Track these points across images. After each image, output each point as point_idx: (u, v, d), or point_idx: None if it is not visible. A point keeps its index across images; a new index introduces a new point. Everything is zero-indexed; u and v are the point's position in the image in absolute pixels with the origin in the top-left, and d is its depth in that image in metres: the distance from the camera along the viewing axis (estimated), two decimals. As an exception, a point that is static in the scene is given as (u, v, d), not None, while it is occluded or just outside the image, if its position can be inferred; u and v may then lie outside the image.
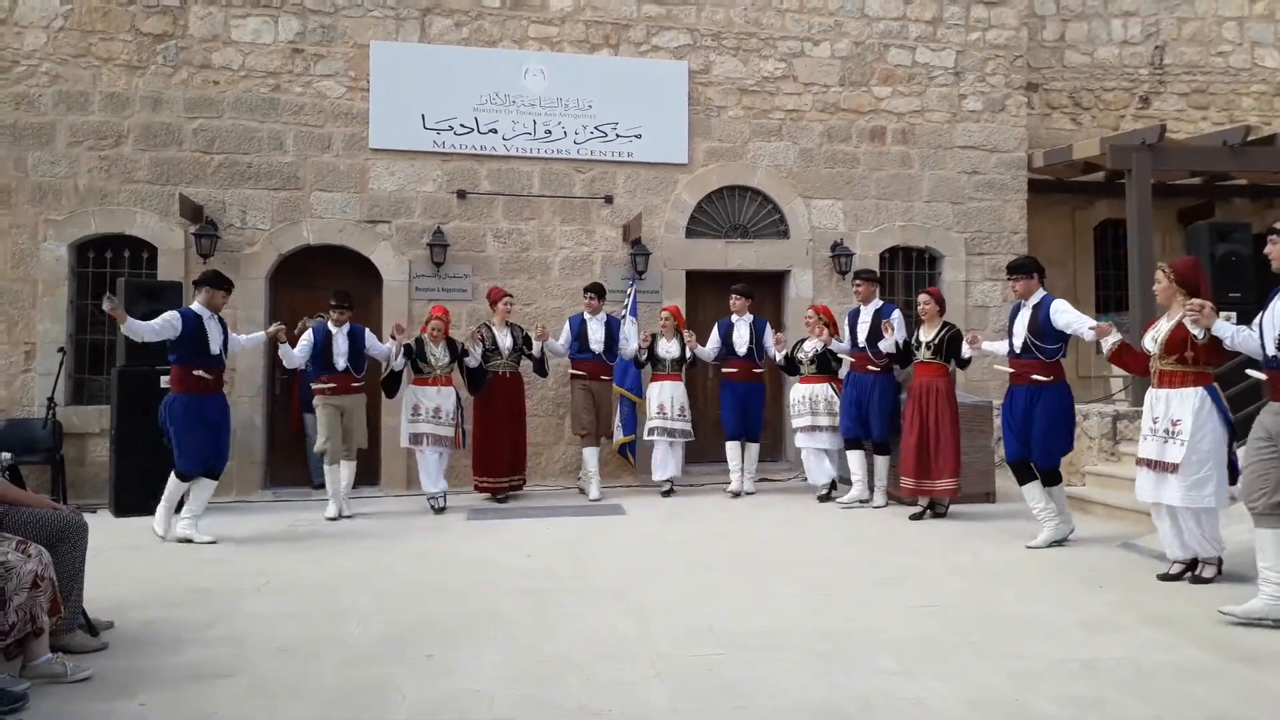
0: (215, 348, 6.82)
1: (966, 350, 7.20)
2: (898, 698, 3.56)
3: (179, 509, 6.85)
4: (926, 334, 7.48)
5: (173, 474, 6.80)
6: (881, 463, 8.01)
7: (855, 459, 8.10)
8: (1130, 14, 11.98)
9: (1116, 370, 9.45)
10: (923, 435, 7.33)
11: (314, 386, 7.89)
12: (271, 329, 7.48)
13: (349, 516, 7.75)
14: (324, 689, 3.72)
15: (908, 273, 10.70)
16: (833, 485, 8.45)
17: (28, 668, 3.75)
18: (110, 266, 9.00)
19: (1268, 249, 4.71)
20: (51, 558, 3.90)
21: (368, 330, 8.10)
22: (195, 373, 6.71)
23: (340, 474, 7.82)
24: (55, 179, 8.93)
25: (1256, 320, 4.72)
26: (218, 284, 6.94)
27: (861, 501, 8.03)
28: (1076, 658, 3.99)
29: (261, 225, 9.26)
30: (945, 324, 7.50)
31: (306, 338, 7.72)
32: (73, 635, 4.15)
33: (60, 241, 8.90)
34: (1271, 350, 4.53)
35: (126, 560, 6.08)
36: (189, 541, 6.66)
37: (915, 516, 7.40)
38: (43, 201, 8.90)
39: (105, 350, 9.01)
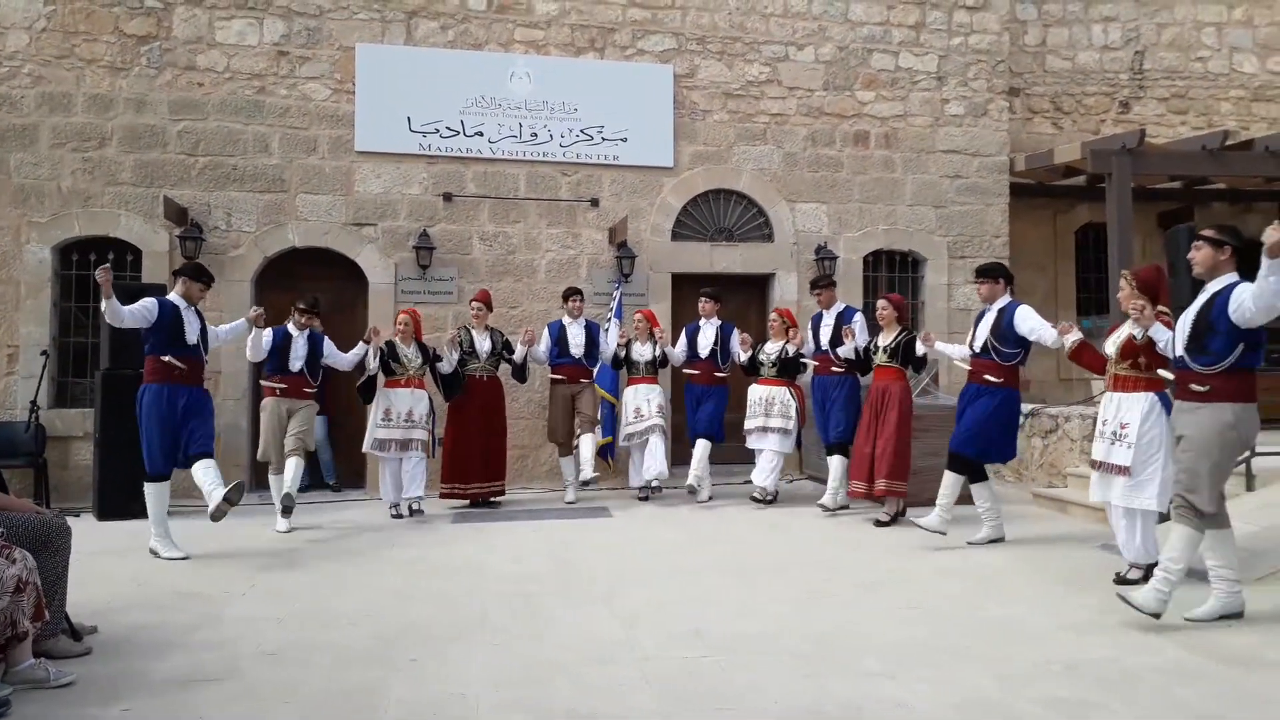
0: (191, 337, 6.47)
1: (920, 348, 7.27)
2: (883, 701, 3.58)
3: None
4: (884, 339, 7.56)
5: (146, 483, 6.37)
6: (841, 463, 7.97)
7: (837, 465, 8.10)
8: (1110, 19, 12.09)
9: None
10: (874, 437, 7.38)
11: (264, 384, 7.65)
12: (252, 313, 7.15)
13: (289, 509, 7.31)
14: (312, 693, 3.72)
15: (891, 275, 10.76)
16: (776, 495, 8.45)
17: (10, 673, 3.73)
18: (94, 269, 8.92)
19: (1191, 254, 4.81)
20: (35, 562, 3.88)
21: (327, 339, 7.86)
22: (165, 359, 6.35)
23: (286, 476, 7.43)
24: (38, 181, 8.88)
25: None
26: (195, 275, 6.64)
27: (843, 507, 8.03)
28: (1060, 660, 4.03)
29: (246, 228, 9.24)
30: (903, 329, 7.56)
31: (267, 334, 7.43)
32: (56, 640, 4.13)
33: (43, 244, 8.85)
34: (1179, 351, 4.74)
35: (110, 564, 6.04)
36: (223, 510, 6.12)
37: (881, 523, 7.34)
38: (26, 204, 8.85)
39: (89, 353, 8.96)
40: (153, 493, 6.38)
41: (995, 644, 4.26)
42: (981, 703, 3.56)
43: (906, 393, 7.51)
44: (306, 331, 7.64)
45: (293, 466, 7.46)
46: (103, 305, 6.14)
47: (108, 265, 6.12)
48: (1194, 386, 4.63)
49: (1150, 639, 4.31)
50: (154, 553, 6.31)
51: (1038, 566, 5.85)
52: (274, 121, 9.32)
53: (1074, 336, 5.91)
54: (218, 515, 6.13)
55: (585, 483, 8.39)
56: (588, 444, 8.55)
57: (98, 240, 9.00)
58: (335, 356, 7.85)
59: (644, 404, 8.67)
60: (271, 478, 7.57)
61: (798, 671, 3.91)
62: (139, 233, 9.03)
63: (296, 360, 7.54)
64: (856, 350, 7.76)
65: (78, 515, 7.59)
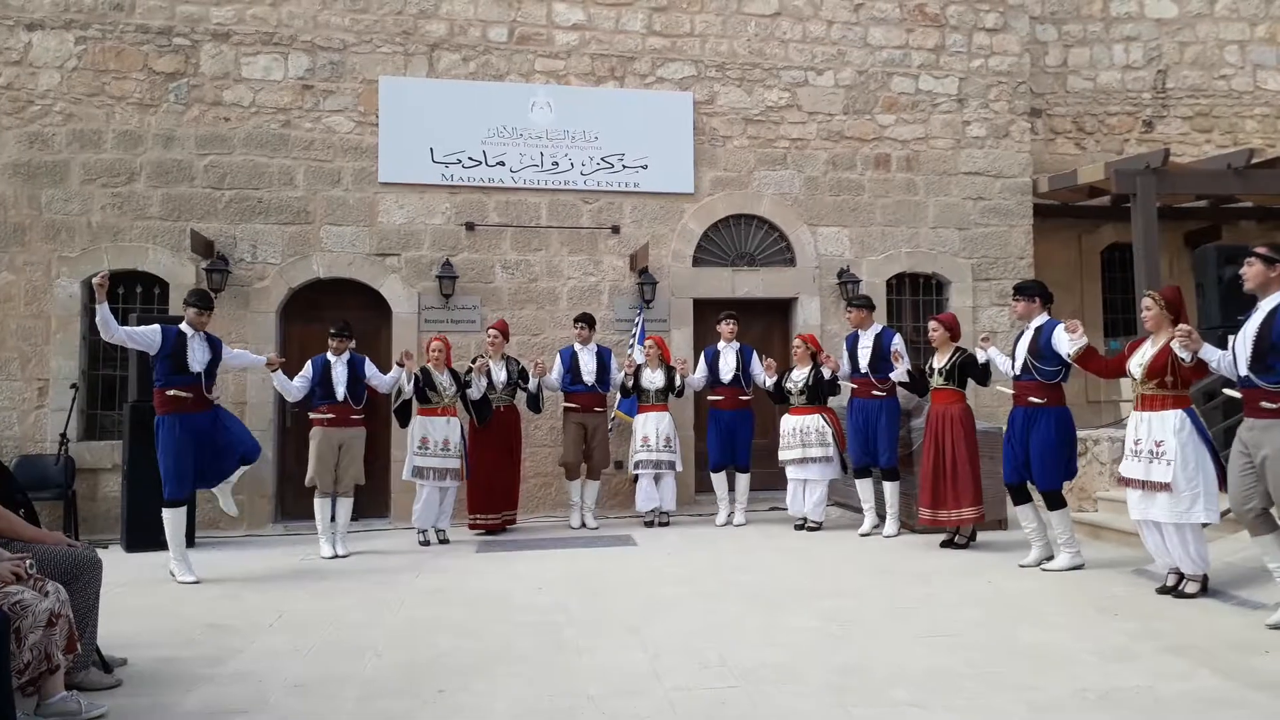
0: (195, 365, 6.65)
1: (980, 355, 7.19)
2: (914, 730, 3.54)
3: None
4: (939, 360, 7.42)
5: (164, 509, 6.62)
6: (891, 489, 7.94)
7: (865, 487, 8.06)
8: (1132, 39, 12.05)
9: (1126, 395, 9.43)
10: (938, 463, 7.21)
11: (311, 416, 7.73)
12: (271, 357, 7.47)
13: (343, 556, 7.47)
14: (338, 726, 3.71)
15: (915, 299, 10.72)
16: (821, 524, 8.39)
17: (42, 706, 3.75)
18: (123, 302, 9.07)
19: (1243, 270, 4.97)
20: (68, 595, 3.91)
21: (368, 360, 7.94)
22: (170, 393, 6.59)
23: (336, 510, 7.63)
24: (69, 216, 9.02)
25: (1231, 343, 5.02)
26: (193, 303, 6.82)
27: (874, 529, 7.99)
28: (1094, 688, 3.96)
29: (272, 259, 9.33)
30: (957, 349, 7.41)
31: (305, 369, 7.64)
32: (87, 673, 4.15)
33: (73, 278, 8.98)
34: (1244, 371, 4.87)
35: (139, 596, 6.08)
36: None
37: (946, 543, 7.29)
38: (56, 239, 8.99)
39: (117, 385, 9.05)
40: (170, 518, 6.64)
41: (1027, 672, 4.20)
42: (1014, 733, 3.51)
43: (968, 415, 7.35)
44: (345, 356, 7.72)
45: (346, 508, 7.69)
46: (97, 307, 6.25)
47: (105, 271, 6.36)
48: (1265, 404, 4.77)
49: (1185, 666, 4.23)
50: (171, 574, 6.55)
51: (1069, 592, 5.77)
52: (299, 154, 9.44)
53: (1080, 341, 5.96)
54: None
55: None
56: (592, 492, 8.80)
57: (126, 274, 9.12)
58: (377, 378, 7.92)
59: (652, 433, 8.67)
60: (318, 501, 7.60)
61: (826, 701, 3.86)
62: (167, 266, 9.14)
63: (339, 387, 7.61)
64: (909, 372, 7.69)
65: (106, 547, 7.64)
